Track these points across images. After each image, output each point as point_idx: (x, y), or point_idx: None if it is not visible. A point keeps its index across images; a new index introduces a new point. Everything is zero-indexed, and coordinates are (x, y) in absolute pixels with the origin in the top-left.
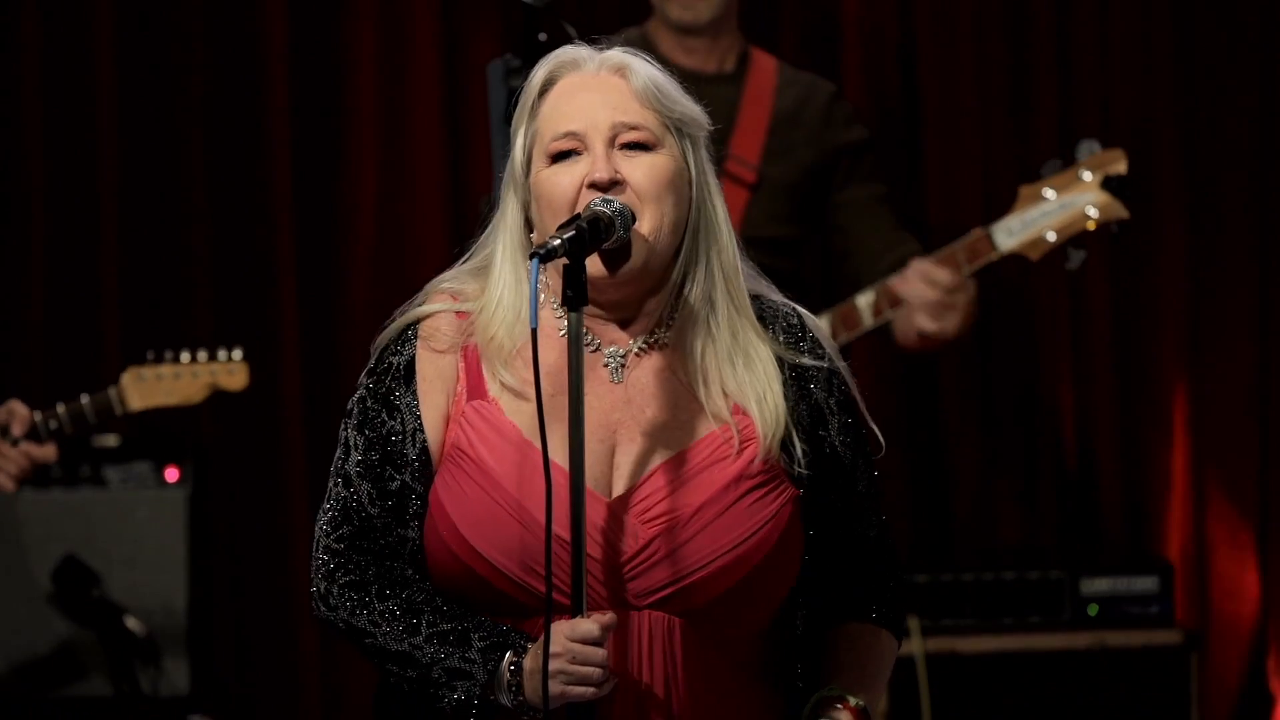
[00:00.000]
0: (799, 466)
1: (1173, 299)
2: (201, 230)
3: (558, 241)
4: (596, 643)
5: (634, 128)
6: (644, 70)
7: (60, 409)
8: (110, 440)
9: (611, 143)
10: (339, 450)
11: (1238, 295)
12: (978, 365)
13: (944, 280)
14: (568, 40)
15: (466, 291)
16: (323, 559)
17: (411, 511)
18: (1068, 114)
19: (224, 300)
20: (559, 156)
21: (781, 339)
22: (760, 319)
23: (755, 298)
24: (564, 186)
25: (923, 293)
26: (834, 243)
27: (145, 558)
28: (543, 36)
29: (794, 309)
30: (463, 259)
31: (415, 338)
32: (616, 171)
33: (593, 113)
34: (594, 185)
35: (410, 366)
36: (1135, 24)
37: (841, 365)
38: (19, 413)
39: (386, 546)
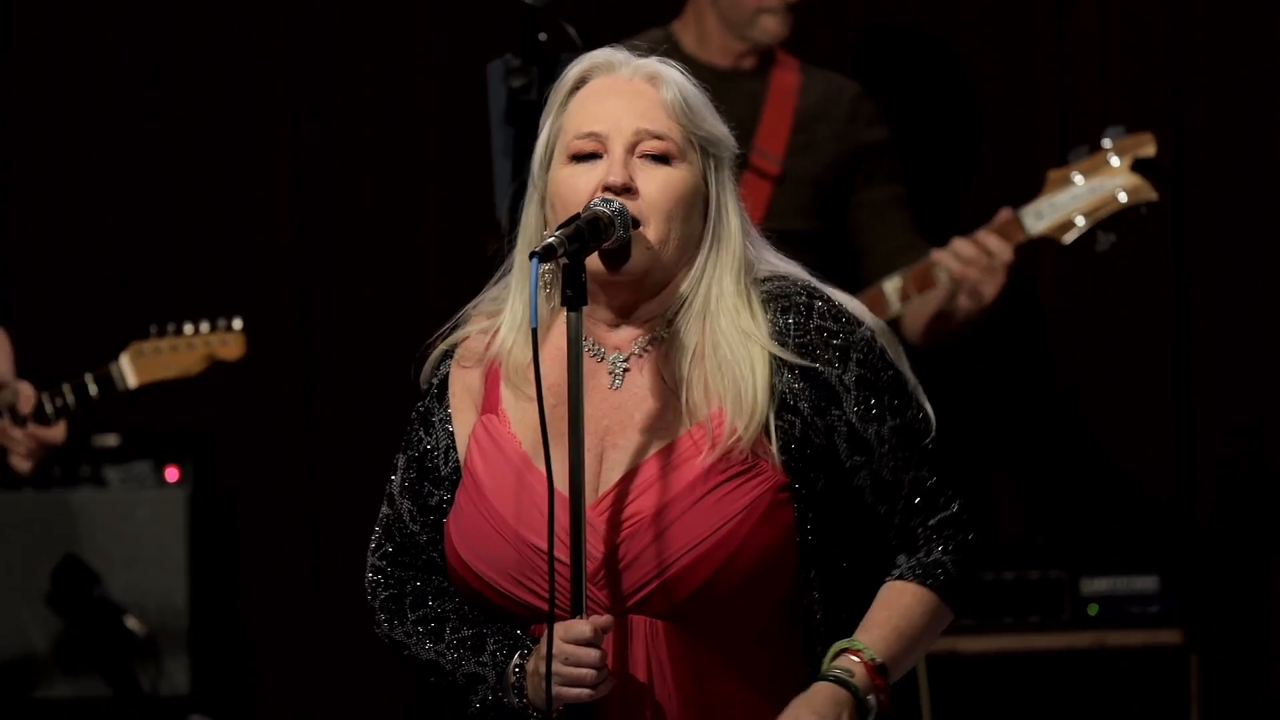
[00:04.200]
0: (777, 453)
1: (1170, 298)
2: (204, 230)
3: (555, 241)
4: (590, 644)
5: (657, 137)
6: (676, 82)
7: (65, 388)
8: (110, 440)
9: (632, 149)
10: (391, 472)
11: (1234, 294)
12: (977, 364)
13: (995, 247)
14: (568, 40)
15: (500, 309)
16: (369, 577)
17: None
18: (1067, 114)
19: (224, 301)
20: (580, 157)
21: (790, 320)
22: (769, 300)
23: (770, 278)
24: (580, 190)
25: (973, 255)
26: (852, 241)
27: (145, 558)
28: (543, 36)
29: (807, 285)
30: (501, 271)
31: (452, 358)
32: (631, 179)
33: (618, 117)
34: (608, 189)
35: (444, 384)
36: (1135, 22)
37: (866, 338)
38: (24, 393)
39: (429, 561)
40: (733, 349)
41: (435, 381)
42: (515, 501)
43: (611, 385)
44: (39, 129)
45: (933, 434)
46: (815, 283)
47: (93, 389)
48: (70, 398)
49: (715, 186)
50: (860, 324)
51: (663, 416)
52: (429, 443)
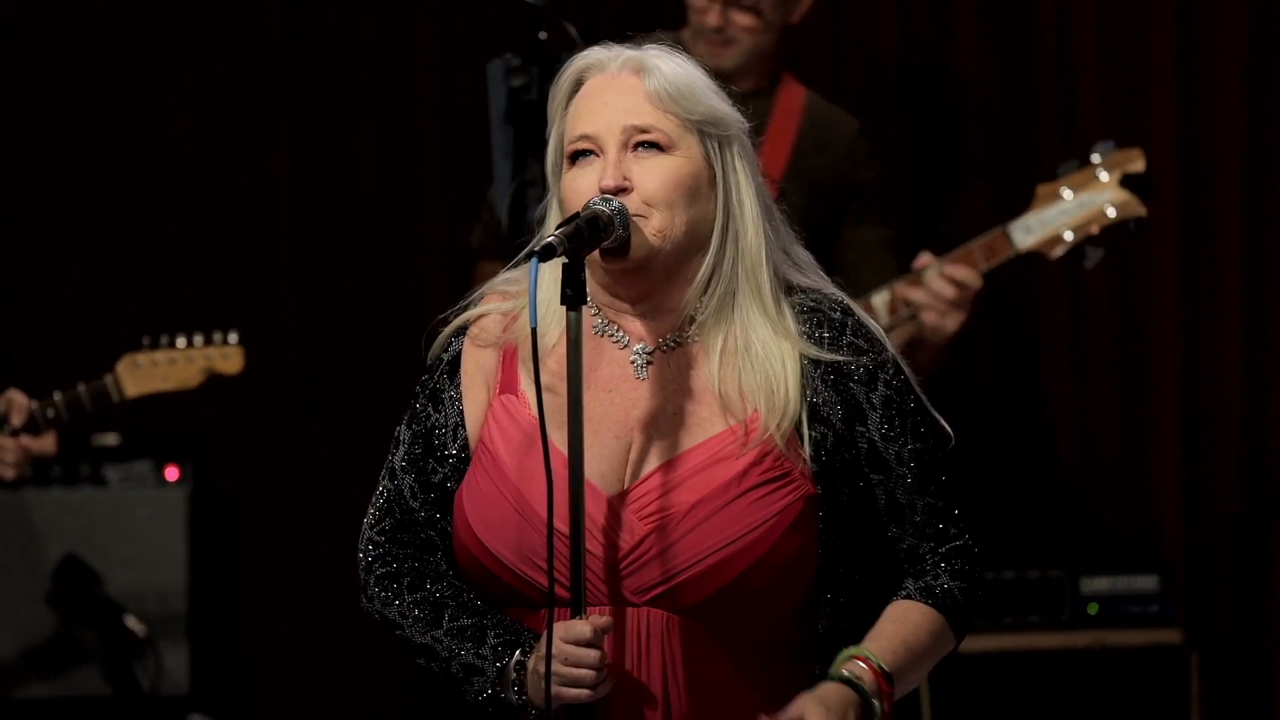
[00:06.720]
0: (809, 462)
1: (1170, 299)
2: (204, 228)
3: (555, 240)
4: (590, 644)
5: (645, 130)
6: (664, 70)
7: (57, 398)
8: (110, 440)
9: (625, 145)
10: (391, 447)
11: (1234, 295)
12: (977, 364)
13: (963, 277)
14: (568, 39)
15: (519, 290)
16: (363, 550)
17: (450, 504)
18: (1067, 117)
19: (224, 300)
20: (577, 156)
21: (825, 334)
22: (803, 312)
23: (804, 290)
24: (581, 192)
25: (941, 289)
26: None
27: (145, 558)
28: (543, 36)
29: (841, 303)
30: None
31: (464, 336)
32: (625, 179)
33: (606, 115)
34: (604, 191)
35: (456, 362)
36: (1135, 26)
37: (894, 361)
38: (17, 402)
39: (427, 540)
40: (765, 346)
41: (446, 358)
42: (527, 480)
43: (637, 375)
44: (36, 130)
45: (951, 444)
46: (849, 301)
47: (88, 403)
48: (64, 409)
49: (721, 167)
50: (887, 348)
51: (696, 412)
52: (437, 419)
